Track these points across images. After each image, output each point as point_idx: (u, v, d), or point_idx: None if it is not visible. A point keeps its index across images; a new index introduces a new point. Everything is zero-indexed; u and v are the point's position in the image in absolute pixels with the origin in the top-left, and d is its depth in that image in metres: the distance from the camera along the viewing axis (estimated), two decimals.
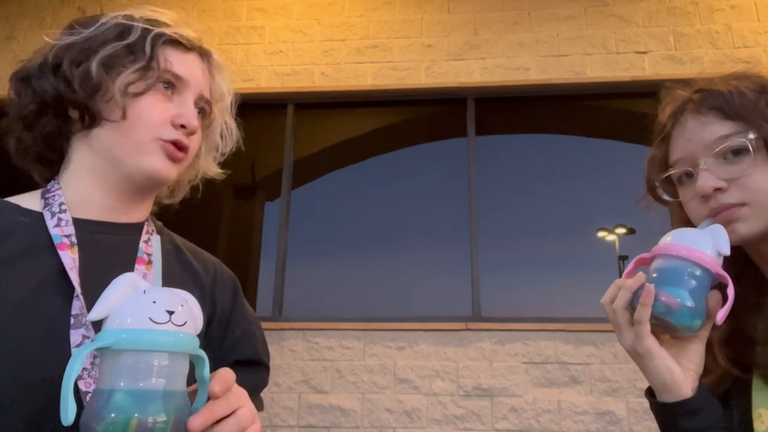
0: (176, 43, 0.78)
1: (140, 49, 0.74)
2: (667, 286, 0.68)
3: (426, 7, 4.16)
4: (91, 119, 0.73)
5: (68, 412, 0.47)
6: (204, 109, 0.81)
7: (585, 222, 3.91)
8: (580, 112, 4.12)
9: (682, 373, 0.69)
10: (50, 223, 0.69)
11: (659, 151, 0.85)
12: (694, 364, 0.70)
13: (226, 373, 0.56)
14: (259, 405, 0.79)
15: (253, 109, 3.95)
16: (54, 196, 0.73)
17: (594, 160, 4.10)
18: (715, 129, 0.76)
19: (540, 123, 4.16)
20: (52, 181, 0.75)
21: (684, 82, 0.84)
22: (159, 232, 0.82)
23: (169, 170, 0.75)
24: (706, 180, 0.75)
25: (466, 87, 3.96)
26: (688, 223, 0.83)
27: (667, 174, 0.83)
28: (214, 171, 0.88)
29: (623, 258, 3.81)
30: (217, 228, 4.18)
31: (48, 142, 0.76)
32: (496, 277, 3.71)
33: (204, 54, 0.82)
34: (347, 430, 3.34)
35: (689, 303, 0.67)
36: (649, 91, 3.81)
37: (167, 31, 0.77)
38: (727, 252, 0.69)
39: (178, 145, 0.75)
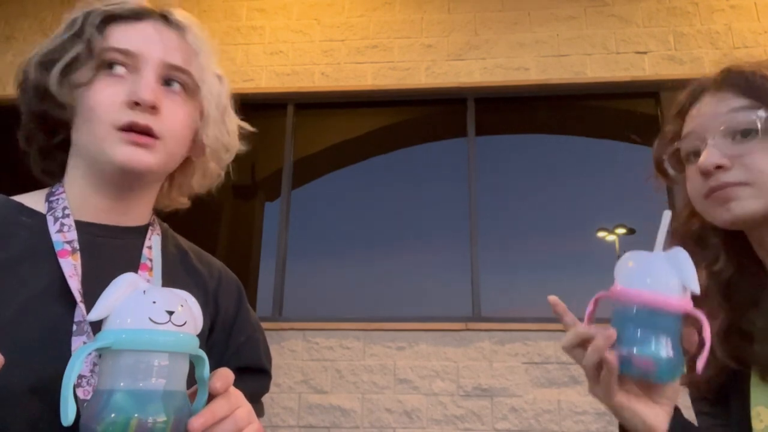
0: (120, 18, 0.71)
1: (79, 36, 0.69)
2: (638, 345, 0.60)
3: (426, 7, 4.16)
4: (63, 123, 0.71)
5: (68, 413, 0.47)
6: (175, 78, 0.71)
7: (585, 222, 3.91)
8: (580, 112, 4.12)
9: (656, 415, 0.64)
10: (53, 228, 0.68)
11: (673, 125, 0.82)
12: (668, 399, 0.66)
13: (226, 372, 0.56)
14: (259, 411, 0.78)
15: (253, 109, 3.95)
16: (58, 199, 0.71)
17: (594, 160, 4.10)
18: (730, 103, 0.73)
19: (540, 123, 4.16)
20: (57, 184, 0.74)
21: (684, 83, 0.82)
22: (164, 235, 0.80)
23: (140, 158, 0.68)
24: (710, 156, 0.71)
25: (466, 87, 3.96)
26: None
27: (675, 148, 0.79)
28: (237, 146, 0.80)
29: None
30: (217, 228, 4.18)
31: (45, 155, 0.75)
32: (496, 277, 3.71)
33: (161, 18, 0.73)
34: (347, 430, 3.34)
35: (665, 359, 0.60)
36: (649, 91, 3.82)
37: (107, 7, 0.70)
38: (697, 290, 0.59)
39: (135, 128, 0.67)
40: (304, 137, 4.12)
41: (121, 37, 0.69)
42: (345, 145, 4.26)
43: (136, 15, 0.71)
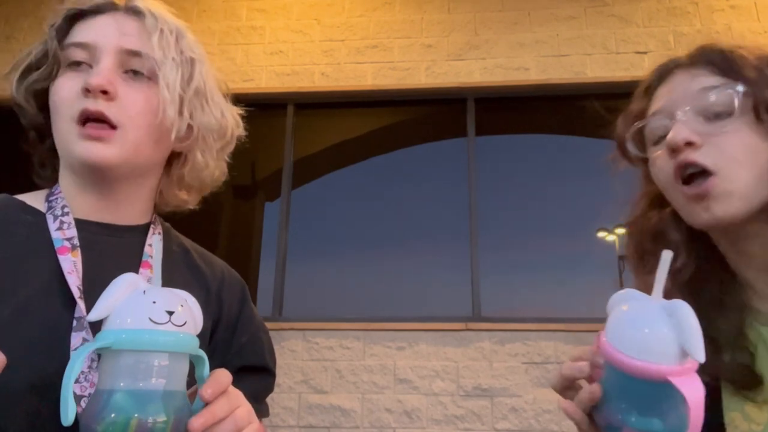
0: (81, 15, 0.71)
1: (44, 40, 0.70)
2: (637, 416, 0.52)
3: (426, 7, 4.15)
4: (42, 131, 0.73)
5: (68, 413, 0.47)
6: (135, 63, 0.69)
7: (585, 222, 3.91)
8: (580, 113, 4.12)
9: None
10: (52, 226, 0.68)
11: (638, 103, 0.76)
12: None
13: (221, 376, 0.55)
14: (264, 411, 0.78)
15: (253, 109, 3.95)
16: (57, 198, 0.71)
17: (594, 160, 4.10)
18: (704, 81, 0.68)
19: (540, 123, 4.16)
20: (56, 185, 0.74)
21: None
22: (166, 234, 0.80)
23: (98, 152, 0.66)
24: (679, 131, 0.65)
25: (466, 87, 3.96)
26: (656, 198, 0.73)
27: (640, 125, 0.73)
28: (233, 129, 0.78)
29: (623, 258, 3.81)
30: (217, 228, 4.17)
31: (40, 162, 0.76)
32: (496, 277, 3.71)
33: (120, 8, 0.72)
34: (347, 430, 3.34)
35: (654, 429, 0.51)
36: None
37: (68, 7, 0.71)
38: (701, 359, 0.49)
39: (89, 116, 0.65)
40: (304, 137, 4.12)
41: (80, 32, 0.70)
42: (345, 145, 4.26)
43: (97, 9, 0.71)
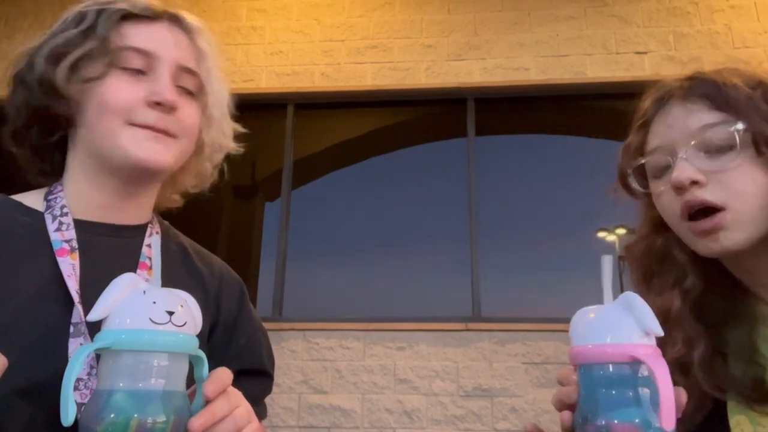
0: (135, 16, 0.71)
1: (92, 32, 0.69)
2: (615, 411, 0.51)
3: (426, 7, 4.15)
4: (63, 120, 0.70)
5: (68, 413, 0.47)
6: (186, 79, 0.72)
7: (585, 222, 3.91)
8: (580, 113, 4.12)
9: None
10: (51, 227, 0.67)
11: (637, 137, 0.77)
12: None
13: (223, 374, 0.55)
14: (262, 413, 0.77)
15: (253, 109, 3.95)
16: (56, 198, 0.71)
17: (594, 160, 4.10)
18: (702, 117, 0.69)
19: (540, 123, 4.16)
20: (56, 183, 0.73)
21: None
22: (165, 233, 0.80)
23: (159, 155, 0.69)
24: (684, 170, 0.67)
25: (466, 87, 3.96)
26: (659, 222, 0.75)
27: (642, 161, 0.75)
28: (230, 146, 0.81)
29: (623, 258, 3.80)
30: (217, 228, 4.17)
31: (40, 155, 0.73)
32: (496, 278, 3.71)
33: (174, 19, 0.74)
34: (347, 430, 3.34)
35: (645, 420, 0.51)
36: None
37: (121, 5, 0.70)
38: (659, 332, 0.51)
39: (155, 129, 0.68)
40: (304, 137, 4.12)
41: (138, 36, 0.70)
42: (345, 145, 4.26)
43: (151, 15, 0.72)
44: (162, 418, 0.49)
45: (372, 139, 4.24)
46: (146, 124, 0.68)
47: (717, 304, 0.71)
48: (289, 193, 3.96)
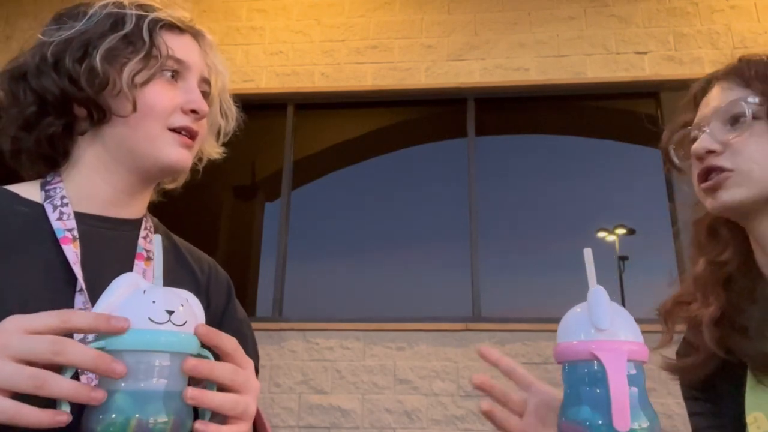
0: (172, 26, 0.76)
1: (138, 37, 0.72)
2: (570, 409, 0.52)
3: (426, 7, 4.16)
4: (101, 116, 0.71)
5: (62, 406, 0.47)
6: (205, 90, 0.80)
7: (585, 222, 3.91)
8: (580, 113, 4.12)
9: None
10: (52, 216, 0.68)
11: (683, 115, 0.85)
12: None
13: (227, 339, 0.58)
14: None
15: (253, 109, 3.94)
16: (55, 188, 0.71)
17: (594, 160, 4.10)
18: (731, 94, 0.76)
19: (540, 123, 4.16)
20: (52, 173, 0.74)
21: (685, 83, 0.84)
22: (156, 229, 0.81)
23: (185, 159, 0.75)
24: (702, 141, 0.75)
25: (466, 87, 3.96)
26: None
27: (681, 135, 0.83)
28: (215, 151, 0.87)
29: (623, 258, 3.81)
30: (217, 228, 4.17)
31: (52, 143, 0.73)
32: (496, 278, 3.71)
33: (197, 34, 0.80)
34: (347, 430, 3.34)
35: (592, 419, 0.50)
36: (649, 91, 3.82)
37: (161, 15, 0.75)
38: (605, 326, 0.50)
39: (190, 132, 0.74)
40: (304, 137, 4.12)
41: (176, 47, 0.75)
42: (345, 145, 4.26)
43: (183, 27, 0.78)
44: (163, 418, 0.49)
45: (372, 139, 4.24)
46: (181, 128, 0.73)
47: (744, 282, 0.77)
48: (289, 193, 3.96)
